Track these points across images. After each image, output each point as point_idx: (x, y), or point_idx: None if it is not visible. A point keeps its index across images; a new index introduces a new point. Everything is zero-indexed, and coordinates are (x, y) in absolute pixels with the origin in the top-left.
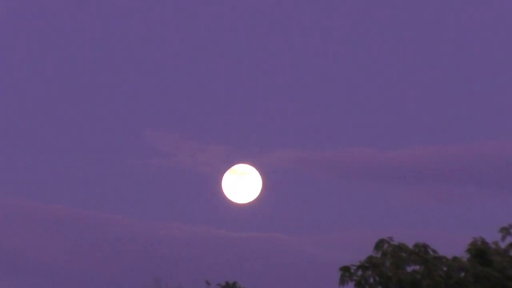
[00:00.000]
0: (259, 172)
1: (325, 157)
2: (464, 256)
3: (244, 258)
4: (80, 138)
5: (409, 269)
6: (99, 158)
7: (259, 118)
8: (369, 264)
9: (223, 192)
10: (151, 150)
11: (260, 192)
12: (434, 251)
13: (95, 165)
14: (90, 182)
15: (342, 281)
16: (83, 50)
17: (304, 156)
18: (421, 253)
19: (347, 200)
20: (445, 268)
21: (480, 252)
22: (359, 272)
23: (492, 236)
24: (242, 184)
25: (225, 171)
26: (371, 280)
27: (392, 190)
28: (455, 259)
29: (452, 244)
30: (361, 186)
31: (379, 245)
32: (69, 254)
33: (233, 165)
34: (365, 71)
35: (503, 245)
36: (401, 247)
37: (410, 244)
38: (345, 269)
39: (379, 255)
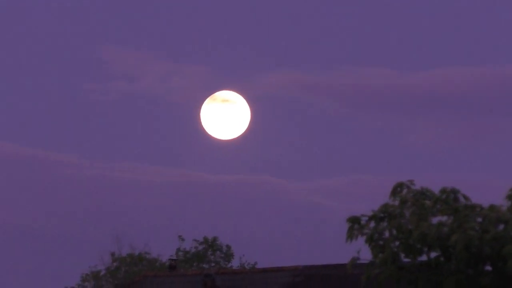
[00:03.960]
0: (246, 100)
1: (328, 80)
2: (504, 204)
3: (227, 207)
4: (22, 59)
5: (435, 220)
6: (45, 83)
7: (246, 33)
8: (384, 214)
9: (202, 126)
10: (110, 72)
11: (248, 126)
12: (466, 198)
13: (40, 92)
14: (36, 114)
15: (350, 235)
16: None
17: (302, 79)
18: (450, 200)
19: (356, 135)
20: (479, 220)
21: None
22: (372, 224)
23: None
24: (225, 115)
25: (204, 100)
26: (387, 234)
27: (413, 123)
28: (492, 208)
29: (488, 190)
30: (374, 118)
31: (396, 190)
32: (12, 199)
33: (214, 92)
34: None
35: None
36: (424, 193)
37: (436, 190)
38: (354, 220)
39: (396, 203)
